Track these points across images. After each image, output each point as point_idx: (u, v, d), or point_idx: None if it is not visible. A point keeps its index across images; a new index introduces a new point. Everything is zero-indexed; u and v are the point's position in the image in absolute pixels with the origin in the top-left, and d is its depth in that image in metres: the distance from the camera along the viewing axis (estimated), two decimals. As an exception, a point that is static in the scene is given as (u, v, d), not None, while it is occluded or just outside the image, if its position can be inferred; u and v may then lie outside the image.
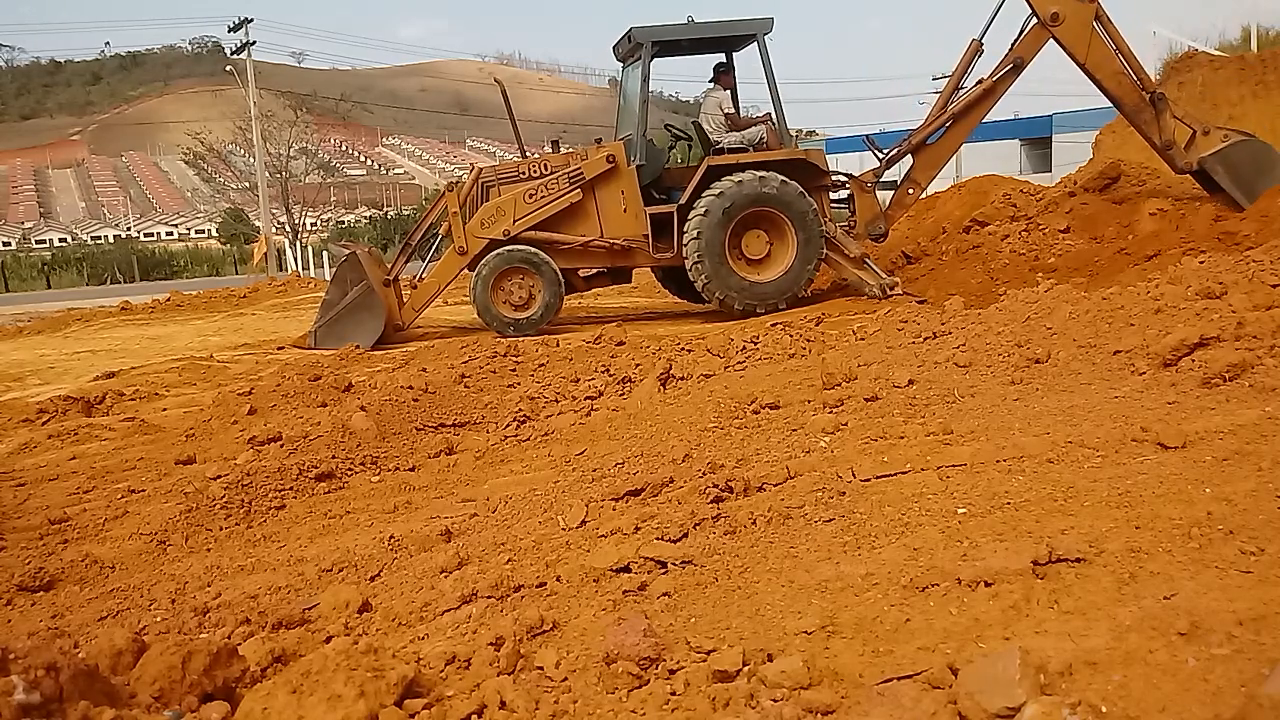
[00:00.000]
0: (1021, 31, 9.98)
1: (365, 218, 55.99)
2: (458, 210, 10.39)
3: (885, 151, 10.63)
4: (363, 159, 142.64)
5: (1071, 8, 9.68)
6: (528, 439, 4.78)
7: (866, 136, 11.19)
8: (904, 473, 2.73)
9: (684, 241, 9.97)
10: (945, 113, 10.31)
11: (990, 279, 9.71)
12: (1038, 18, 9.79)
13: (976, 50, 10.18)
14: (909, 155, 10.65)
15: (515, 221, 10.15)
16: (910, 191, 10.70)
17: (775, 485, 2.88)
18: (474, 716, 1.70)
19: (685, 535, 2.55)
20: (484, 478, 4.23)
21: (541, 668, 1.87)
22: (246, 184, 40.41)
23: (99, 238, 78.26)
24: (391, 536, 3.29)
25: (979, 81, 10.22)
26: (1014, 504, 2.37)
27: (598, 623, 2.07)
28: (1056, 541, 2.01)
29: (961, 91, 10.28)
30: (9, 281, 37.09)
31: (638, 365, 5.71)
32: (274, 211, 34.77)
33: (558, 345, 7.78)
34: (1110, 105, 10.58)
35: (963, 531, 2.26)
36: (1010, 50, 10.07)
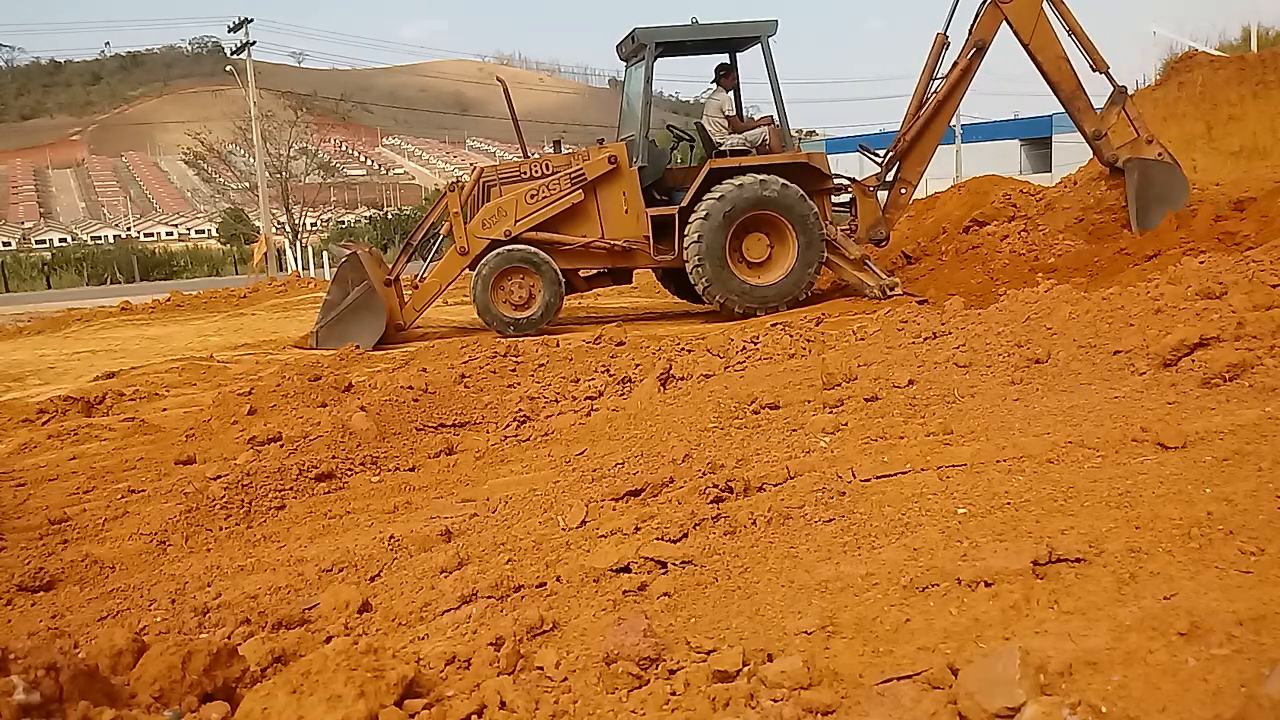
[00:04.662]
0: (977, 14, 10.11)
1: (365, 218, 55.92)
2: (459, 210, 10.41)
3: (882, 154, 10.67)
4: (363, 159, 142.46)
5: None
6: (528, 439, 4.78)
7: (860, 145, 11.26)
8: (904, 473, 2.73)
9: (685, 244, 9.98)
10: (922, 108, 10.37)
11: (990, 279, 9.71)
12: None
13: (943, 43, 10.30)
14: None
15: (516, 222, 10.15)
16: (903, 191, 10.75)
17: (775, 485, 2.88)
18: (474, 716, 1.70)
19: (685, 535, 2.54)
20: (484, 478, 4.22)
21: (541, 668, 1.87)
22: (246, 184, 40.38)
23: (99, 238, 78.33)
24: (391, 536, 3.29)
25: (954, 64, 10.29)
26: (1014, 504, 2.37)
27: (598, 623, 2.07)
28: (1056, 541, 2.01)
29: (935, 85, 10.36)
30: (9, 281, 37.09)
31: (638, 365, 5.71)
32: (274, 211, 34.74)
33: (558, 345, 7.77)
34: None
35: (963, 531, 2.26)
36: (970, 34, 10.18)
